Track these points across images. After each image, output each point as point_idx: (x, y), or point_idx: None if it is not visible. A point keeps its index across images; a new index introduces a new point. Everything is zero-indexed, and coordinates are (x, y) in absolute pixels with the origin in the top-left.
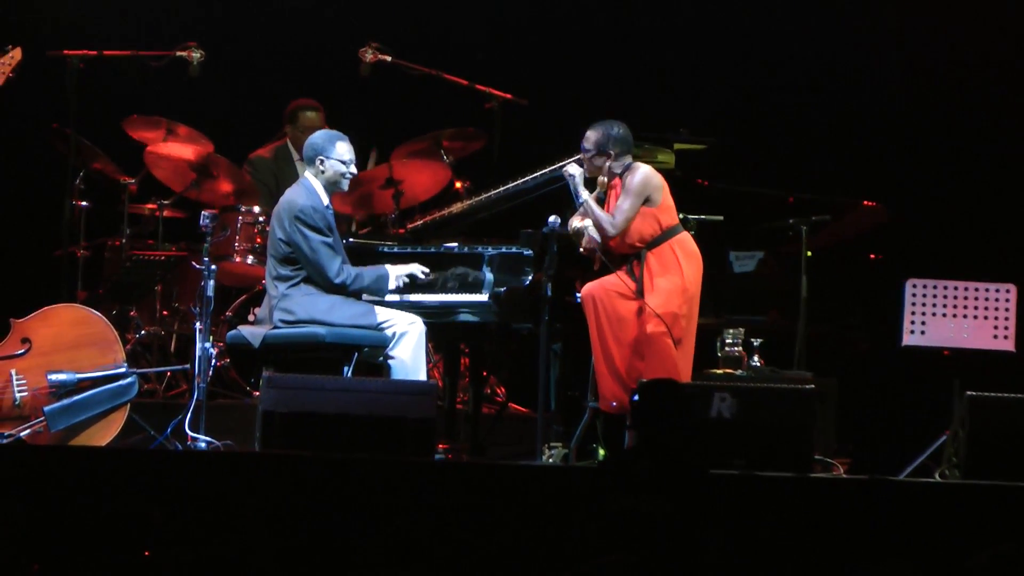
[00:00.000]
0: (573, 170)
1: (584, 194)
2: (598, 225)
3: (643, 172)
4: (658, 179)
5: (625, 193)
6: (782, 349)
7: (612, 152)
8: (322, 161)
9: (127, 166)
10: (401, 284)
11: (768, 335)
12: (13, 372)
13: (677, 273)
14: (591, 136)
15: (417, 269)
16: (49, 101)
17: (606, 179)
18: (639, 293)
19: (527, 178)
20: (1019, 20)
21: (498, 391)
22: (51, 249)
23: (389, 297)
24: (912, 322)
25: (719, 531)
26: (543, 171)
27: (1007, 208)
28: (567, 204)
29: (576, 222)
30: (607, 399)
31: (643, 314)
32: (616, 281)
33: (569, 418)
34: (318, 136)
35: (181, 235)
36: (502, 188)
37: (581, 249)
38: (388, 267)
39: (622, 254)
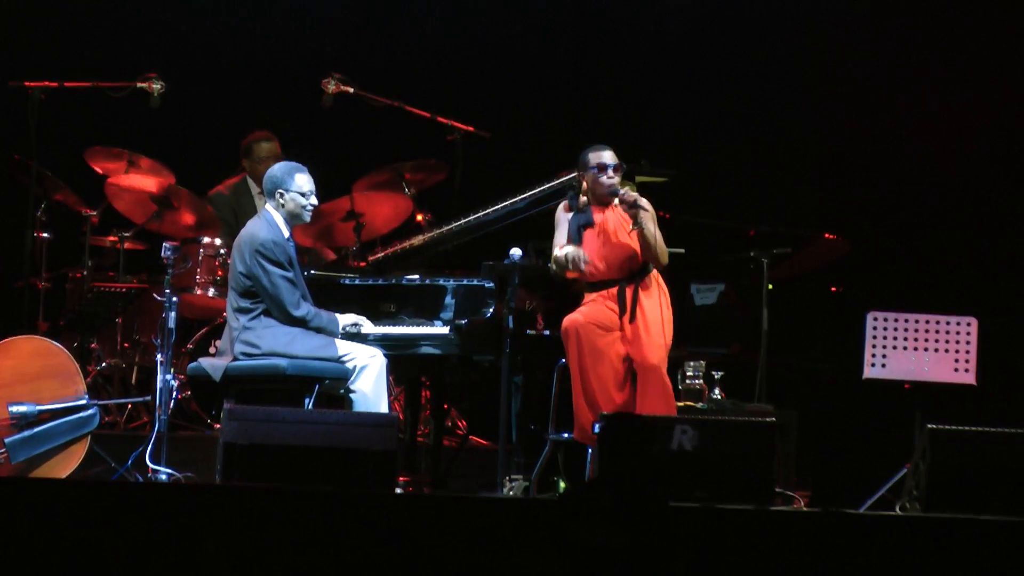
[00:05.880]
0: (645, 203)
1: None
2: (656, 256)
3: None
4: None
5: (651, 219)
6: (743, 381)
7: None
8: (282, 194)
9: (88, 198)
10: (348, 331)
11: (729, 367)
12: None
13: (662, 304)
14: (612, 153)
15: (365, 321)
16: (10, 132)
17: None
18: (631, 318)
19: (489, 210)
20: (973, 58)
21: (459, 423)
22: (12, 280)
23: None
24: (873, 355)
25: (680, 564)
26: (505, 203)
27: (967, 241)
28: (528, 236)
29: (559, 251)
30: (586, 431)
31: (643, 344)
32: (596, 312)
33: (530, 450)
34: (277, 169)
35: (142, 267)
36: (463, 220)
37: (573, 273)
38: (339, 316)
39: (612, 279)
